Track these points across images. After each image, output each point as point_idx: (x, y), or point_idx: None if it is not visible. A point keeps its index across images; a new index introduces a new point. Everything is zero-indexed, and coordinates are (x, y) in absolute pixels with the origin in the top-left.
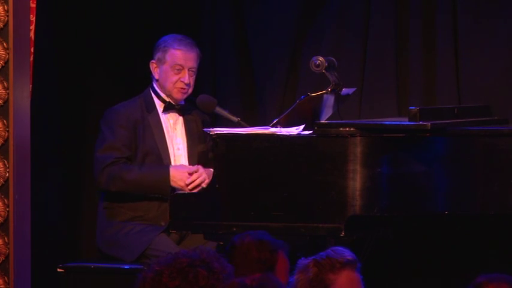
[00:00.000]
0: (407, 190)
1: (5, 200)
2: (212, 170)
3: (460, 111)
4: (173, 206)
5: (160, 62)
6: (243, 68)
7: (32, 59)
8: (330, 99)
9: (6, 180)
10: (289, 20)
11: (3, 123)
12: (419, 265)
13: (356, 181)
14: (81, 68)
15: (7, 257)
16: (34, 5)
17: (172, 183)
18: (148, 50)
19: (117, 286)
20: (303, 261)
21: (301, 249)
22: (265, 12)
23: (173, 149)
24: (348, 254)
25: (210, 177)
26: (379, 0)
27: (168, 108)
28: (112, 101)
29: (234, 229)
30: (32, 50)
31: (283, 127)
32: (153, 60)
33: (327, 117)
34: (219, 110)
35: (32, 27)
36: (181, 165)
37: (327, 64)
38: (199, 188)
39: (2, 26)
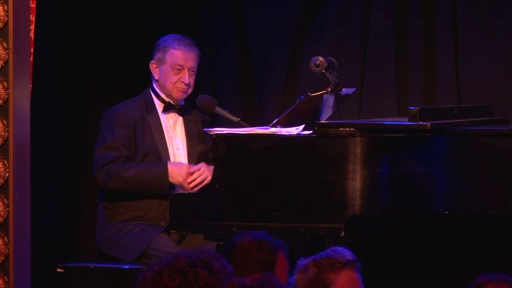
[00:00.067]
0: (407, 190)
1: (5, 200)
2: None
3: (460, 111)
4: (173, 206)
5: (160, 62)
6: (243, 68)
7: (32, 59)
8: (329, 99)
9: (6, 180)
10: (289, 20)
11: (3, 123)
12: (419, 265)
13: (356, 181)
14: (81, 68)
15: (7, 257)
16: (34, 5)
17: (171, 179)
18: (148, 50)
19: (117, 286)
20: (302, 261)
21: (301, 249)
22: (265, 12)
23: (173, 149)
24: (347, 254)
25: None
26: (379, 0)
27: (167, 108)
28: (112, 101)
29: (234, 229)
30: (32, 50)
31: (283, 127)
32: (152, 61)
33: (327, 117)
34: (219, 110)
35: (32, 27)
36: (180, 162)
37: (327, 64)
38: (201, 186)
39: (2, 26)
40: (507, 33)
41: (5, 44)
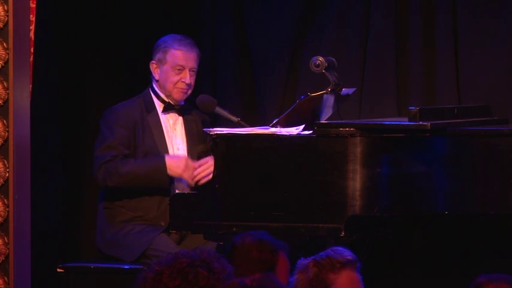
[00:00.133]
0: (407, 190)
1: (5, 200)
2: None
3: (460, 111)
4: (173, 206)
5: (161, 62)
6: (243, 68)
7: (32, 59)
8: (330, 99)
9: (6, 180)
10: (289, 20)
11: (3, 123)
12: (419, 265)
13: (356, 181)
14: (81, 68)
15: (7, 257)
16: (34, 5)
17: (170, 172)
18: (148, 50)
19: (117, 286)
20: (302, 261)
21: (301, 249)
22: (265, 12)
23: (173, 149)
24: (348, 254)
25: None
26: (379, 0)
27: (167, 108)
28: (112, 101)
29: (234, 229)
30: (32, 50)
31: (283, 127)
32: (153, 61)
33: (327, 117)
34: (219, 110)
35: (32, 27)
36: (178, 155)
37: (327, 64)
38: (204, 180)
39: (2, 26)
40: (507, 33)
41: (5, 44)
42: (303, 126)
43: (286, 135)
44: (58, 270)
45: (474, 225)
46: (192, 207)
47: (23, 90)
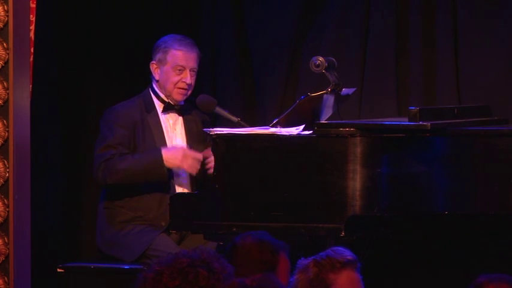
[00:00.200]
0: (407, 190)
1: (5, 200)
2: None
3: (460, 111)
4: (173, 206)
5: (161, 63)
6: (243, 68)
7: (32, 59)
8: (330, 99)
9: (6, 180)
10: (289, 20)
11: (3, 123)
12: (419, 265)
13: (356, 181)
14: (81, 68)
15: (7, 257)
16: (34, 5)
17: (167, 164)
18: (148, 50)
19: (117, 286)
20: (303, 261)
21: (301, 249)
22: (265, 12)
23: None
24: (348, 254)
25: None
26: (379, 0)
27: (167, 108)
28: (112, 101)
29: (234, 229)
30: (32, 50)
31: (283, 127)
32: (153, 61)
33: (327, 117)
34: (219, 110)
35: (32, 27)
36: (175, 146)
37: (327, 64)
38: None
39: (2, 26)
40: (507, 33)
41: (5, 44)
42: (303, 126)
43: (286, 135)
44: (58, 270)
45: (474, 225)
46: (192, 207)
47: (23, 90)
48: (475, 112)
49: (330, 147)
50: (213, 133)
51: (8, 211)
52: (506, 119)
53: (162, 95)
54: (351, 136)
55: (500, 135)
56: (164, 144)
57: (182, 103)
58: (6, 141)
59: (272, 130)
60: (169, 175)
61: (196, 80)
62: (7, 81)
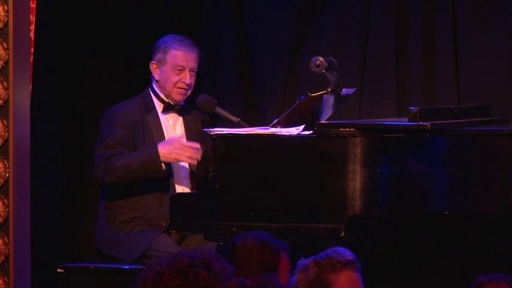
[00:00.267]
0: (407, 190)
1: (5, 200)
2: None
3: (460, 111)
4: (173, 206)
5: (161, 63)
6: (243, 68)
7: (32, 59)
8: (330, 99)
9: (6, 180)
10: (289, 20)
11: (3, 123)
12: (419, 265)
13: (356, 181)
14: (81, 67)
15: (7, 257)
16: (34, 5)
17: (165, 159)
18: (148, 50)
19: (117, 286)
20: (303, 262)
21: (302, 249)
22: (265, 12)
23: None
24: (348, 254)
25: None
26: (379, 0)
27: (167, 108)
28: (112, 101)
29: (234, 229)
30: (32, 50)
31: (283, 127)
32: (153, 61)
33: (327, 117)
34: (219, 110)
35: (32, 27)
36: (170, 140)
37: (327, 64)
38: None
39: (2, 26)
40: (507, 33)
41: (5, 44)
42: (303, 126)
43: (286, 135)
44: (58, 270)
45: (474, 225)
46: (192, 207)
47: (23, 90)
48: (475, 112)
49: (330, 147)
50: (213, 133)
51: (8, 211)
52: (506, 119)
53: (162, 95)
54: (351, 136)
55: (500, 135)
56: None
57: (182, 103)
58: (6, 141)
59: (272, 130)
60: (168, 173)
61: (196, 80)
62: (7, 81)
